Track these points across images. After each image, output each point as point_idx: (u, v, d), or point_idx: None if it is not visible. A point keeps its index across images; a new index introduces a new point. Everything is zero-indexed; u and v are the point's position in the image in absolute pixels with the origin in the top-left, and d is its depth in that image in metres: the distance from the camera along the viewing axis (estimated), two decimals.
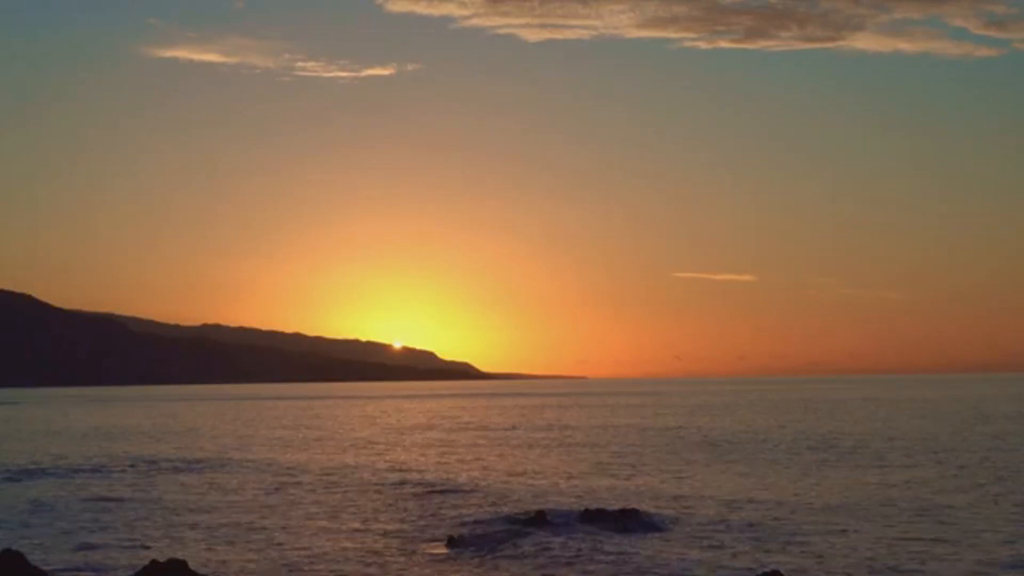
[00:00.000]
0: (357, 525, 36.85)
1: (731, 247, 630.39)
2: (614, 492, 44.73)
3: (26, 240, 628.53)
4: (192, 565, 28.17)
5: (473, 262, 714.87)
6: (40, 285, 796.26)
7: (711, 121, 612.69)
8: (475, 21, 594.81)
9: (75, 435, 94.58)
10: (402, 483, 50.23)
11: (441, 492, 45.74)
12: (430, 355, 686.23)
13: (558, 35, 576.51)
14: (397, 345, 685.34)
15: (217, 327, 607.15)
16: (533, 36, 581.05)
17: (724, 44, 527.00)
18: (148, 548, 32.38)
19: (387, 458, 65.10)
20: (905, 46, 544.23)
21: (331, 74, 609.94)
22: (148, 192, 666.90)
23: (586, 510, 35.71)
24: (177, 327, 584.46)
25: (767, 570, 26.98)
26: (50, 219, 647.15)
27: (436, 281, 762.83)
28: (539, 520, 34.20)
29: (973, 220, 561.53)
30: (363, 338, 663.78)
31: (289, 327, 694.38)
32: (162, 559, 28.28)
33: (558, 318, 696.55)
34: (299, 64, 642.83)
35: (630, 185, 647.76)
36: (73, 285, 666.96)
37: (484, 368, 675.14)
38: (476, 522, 36.98)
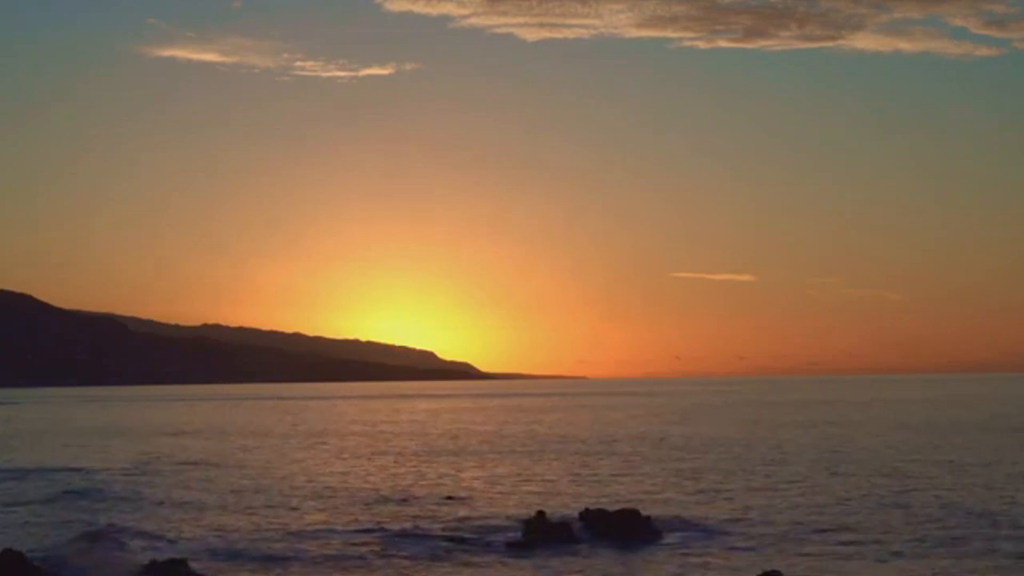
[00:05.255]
0: (358, 527, 36.83)
1: (730, 247, 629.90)
2: (613, 493, 44.72)
3: (26, 240, 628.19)
4: (192, 564, 28.20)
5: (472, 262, 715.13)
6: (40, 285, 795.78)
7: (710, 121, 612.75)
8: (473, 20, 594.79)
9: (75, 435, 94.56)
10: (401, 486, 50.23)
11: (441, 494, 45.73)
12: (430, 355, 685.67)
13: (557, 34, 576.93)
14: (397, 345, 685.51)
15: (217, 327, 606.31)
16: (532, 35, 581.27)
17: (723, 43, 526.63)
18: (148, 547, 32.38)
19: (388, 461, 65.09)
20: (905, 46, 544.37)
21: (329, 73, 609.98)
22: (148, 192, 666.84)
23: (586, 510, 35.72)
24: (177, 327, 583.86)
25: (768, 570, 27.00)
26: (50, 219, 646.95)
27: (436, 281, 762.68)
28: (539, 520, 34.20)
29: (973, 220, 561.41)
30: (363, 338, 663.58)
31: (289, 327, 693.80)
32: (162, 559, 28.30)
33: (558, 318, 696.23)
34: (298, 64, 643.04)
35: (629, 185, 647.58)
36: (73, 285, 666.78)
37: (484, 368, 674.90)
38: (476, 523, 36.99)
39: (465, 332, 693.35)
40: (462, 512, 39.60)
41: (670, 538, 33.61)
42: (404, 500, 43.43)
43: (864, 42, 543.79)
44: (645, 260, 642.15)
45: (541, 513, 34.92)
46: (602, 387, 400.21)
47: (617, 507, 36.22)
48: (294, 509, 41.17)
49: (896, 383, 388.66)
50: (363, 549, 32.43)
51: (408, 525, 36.61)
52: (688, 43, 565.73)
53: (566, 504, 40.37)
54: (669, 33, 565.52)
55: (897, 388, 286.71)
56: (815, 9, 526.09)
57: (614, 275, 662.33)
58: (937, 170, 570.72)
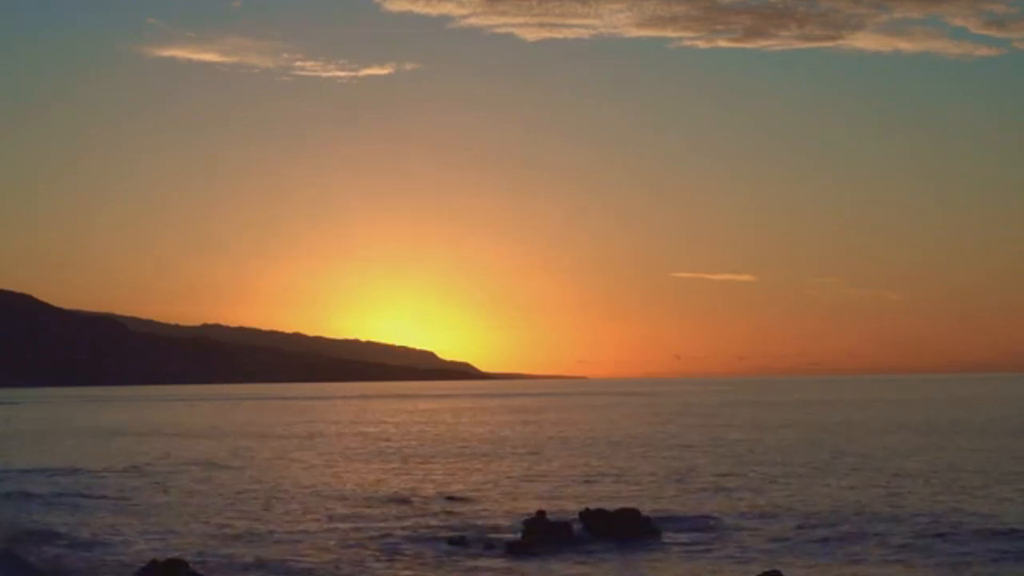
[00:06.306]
0: (358, 527, 36.84)
1: (730, 247, 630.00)
2: (613, 493, 44.71)
3: (26, 240, 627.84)
4: (192, 565, 28.19)
5: (472, 262, 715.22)
6: (40, 285, 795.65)
7: (710, 121, 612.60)
8: (473, 20, 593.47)
9: (75, 435, 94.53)
10: (401, 486, 50.25)
11: (442, 495, 45.73)
12: (430, 355, 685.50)
13: (557, 34, 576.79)
14: (397, 345, 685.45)
15: (217, 327, 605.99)
16: (531, 35, 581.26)
17: (723, 43, 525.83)
18: (148, 548, 32.37)
19: (388, 461, 65.10)
20: (905, 46, 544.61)
21: (329, 73, 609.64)
22: (148, 192, 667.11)
23: (586, 510, 35.70)
24: (177, 327, 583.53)
25: (768, 570, 27.00)
26: (50, 219, 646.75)
27: (436, 281, 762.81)
28: (539, 520, 34.19)
29: (973, 220, 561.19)
30: (363, 338, 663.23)
31: (289, 327, 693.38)
32: (162, 559, 28.29)
33: (557, 318, 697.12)
34: (297, 64, 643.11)
35: (628, 185, 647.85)
36: (73, 285, 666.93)
37: (484, 368, 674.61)
38: (477, 523, 37.01)
39: (465, 332, 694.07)
40: (462, 512, 39.61)
41: (670, 538, 33.61)
42: (404, 501, 43.42)
43: (864, 42, 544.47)
44: (645, 260, 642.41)
45: (541, 513, 34.91)
46: (602, 387, 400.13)
47: (617, 507, 36.21)
48: (294, 509, 41.16)
49: (896, 383, 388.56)
50: (363, 550, 32.43)
51: (408, 525, 36.62)
52: (688, 43, 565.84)
53: (566, 504, 40.37)
54: (669, 33, 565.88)
55: (897, 388, 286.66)
56: (815, 9, 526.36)
57: (614, 275, 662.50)
58: (937, 170, 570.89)
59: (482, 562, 30.68)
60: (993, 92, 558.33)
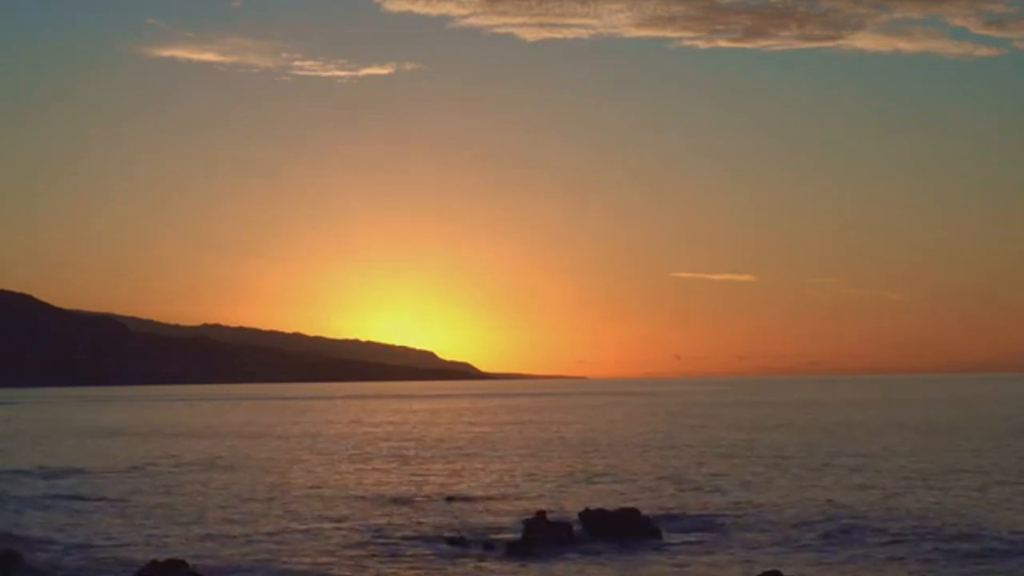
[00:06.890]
0: (358, 528, 36.84)
1: (730, 247, 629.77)
2: (613, 493, 44.71)
3: (26, 240, 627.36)
4: (192, 565, 28.20)
5: (472, 262, 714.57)
6: (40, 285, 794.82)
7: (710, 121, 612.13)
8: (473, 20, 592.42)
9: (75, 435, 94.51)
10: (401, 486, 50.25)
11: (442, 495, 45.73)
12: (430, 355, 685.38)
13: (556, 34, 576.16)
14: (397, 345, 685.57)
15: (217, 327, 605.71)
16: (531, 35, 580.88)
17: (723, 43, 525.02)
18: (148, 548, 32.37)
19: (388, 462, 65.09)
20: (905, 46, 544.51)
21: (329, 73, 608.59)
22: (148, 192, 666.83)
23: (586, 510, 35.70)
24: (177, 327, 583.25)
25: (768, 570, 27.01)
26: (50, 219, 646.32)
27: (436, 281, 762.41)
28: (539, 520, 34.19)
29: (973, 220, 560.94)
30: (363, 338, 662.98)
31: (289, 327, 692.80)
32: (162, 559, 28.30)
33: (558, 318, 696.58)
34: (297, 63, 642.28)
35: (628, 185, 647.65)
36: (73, 285, 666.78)
37: (484, 368, 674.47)
38: (476, 523, 37.01)
39: (465, 332, 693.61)
40: (462, 512, 39.60)
41: (670, 538, 33.61)
42: (404, 501, 43.42)
43: (864, 42, 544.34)
44: (645, 260, 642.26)
45: (541, 513, 34.90)
46: (602, 387, 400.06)
47: (617, 507, 36.20)
48: (294, 510, 41.16)
49: (896, 383, 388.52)
50: (363, 551, 32.43)
51: (408, 525, 36.62)
52: (688, 43, 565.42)
53: (566, 504, 40.37)
54: (669, 33, 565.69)
55: (897, 388, 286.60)
56: (815, 9, 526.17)
57: (614, 275, 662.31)
58: (937, 170, 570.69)
59: (482, 562, 30.68)
60: (993, 92, 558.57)
